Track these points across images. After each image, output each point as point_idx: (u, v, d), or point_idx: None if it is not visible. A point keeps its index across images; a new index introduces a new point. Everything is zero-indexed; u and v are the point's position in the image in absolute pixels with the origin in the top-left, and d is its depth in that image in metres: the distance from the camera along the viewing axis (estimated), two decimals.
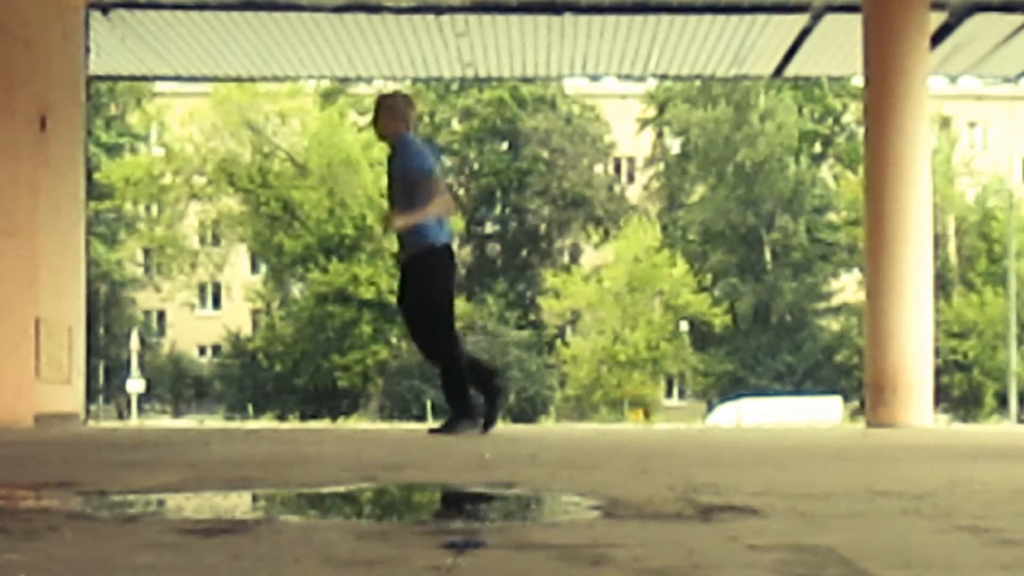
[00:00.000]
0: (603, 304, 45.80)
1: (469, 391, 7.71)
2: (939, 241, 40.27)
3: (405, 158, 7.74)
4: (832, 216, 50.08)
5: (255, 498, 3.08)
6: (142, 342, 45.09)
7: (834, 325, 49.58)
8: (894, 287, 10.74)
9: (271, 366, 44.50)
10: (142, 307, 51.06)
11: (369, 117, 45.99)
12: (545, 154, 49.18)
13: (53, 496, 2.96)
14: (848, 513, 2.62)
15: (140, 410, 43.74)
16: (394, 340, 44.65)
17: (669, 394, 50.87)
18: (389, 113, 7.86)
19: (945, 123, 46.37)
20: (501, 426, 9.60)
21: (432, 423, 12.12)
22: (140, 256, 50.08)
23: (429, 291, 7.68)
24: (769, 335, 48.62)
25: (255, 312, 50.14)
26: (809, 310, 49.76)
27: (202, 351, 52.94)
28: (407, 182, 7.69)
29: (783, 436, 7.92)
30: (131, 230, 47.91)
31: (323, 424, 25.88)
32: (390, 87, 49.22)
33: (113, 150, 46.82)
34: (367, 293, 42.78)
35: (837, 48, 13.35)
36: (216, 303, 53.26)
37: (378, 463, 4.40)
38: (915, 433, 8.60)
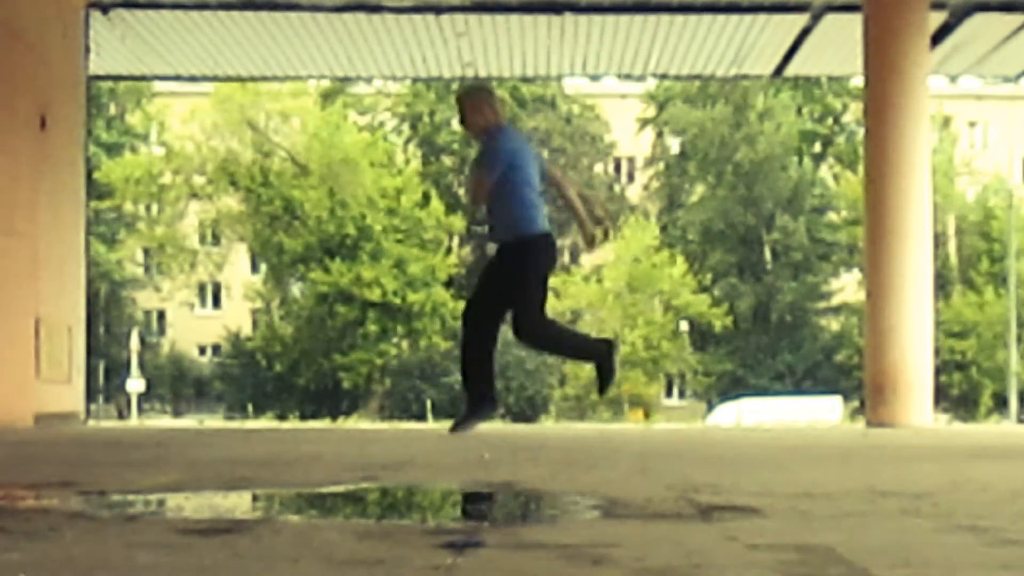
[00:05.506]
0: (603, 304, 45.81)
1: (480, 384, 7.73)
2: (939, 241, 40.30)
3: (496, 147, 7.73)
4: (832, 216, 50.10)
5: (255, 498, 3.08)
6: (142, 342, 45.09)
7: (834, 325, 49.59)
8: (894, 287, 10.74)
9: (271, 366, 44.51)
10: (142, 307, 51.06)
11: (370, 117, 45.20)
12: (545, 154, 49.20)
13: (53, 496, 2.96)
14: (848, 513, 2.62)
15: (140, 410, 43.75)
16: (395, 340, 44.69)
17: (669, 394, 50.87)
18: (478, 108, 7.82)
19: (945, 123, 46.38)
20: (501, 426, 9.61)
21: (432, 423, 12.15)
22: (140, 256, 50.07)
23: (511, 277, 7.71)
24: (769, 335, 48.63)
25: (255, 312, 50.14)
26: (809, 310, 49.78)
27: (202, 351, 52.94)
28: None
29: (783, 436, 7.92)
30: (131, 230, 47.89)
31: (323, 424, 25.88)
32: (390, 87, 49.04)
33: (113, 150, 46.79)
34: (371, 294, 42.79)
35: (837, 48, 13.35)
36: (216, 303, 53.26)
37: (378, 463, 4.40)
38: (915, 433, 8.59)
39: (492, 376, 7.88)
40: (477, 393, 7.74)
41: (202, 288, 51.65)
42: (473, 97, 7.96)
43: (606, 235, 8.11)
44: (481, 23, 12.88)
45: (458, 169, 50.37)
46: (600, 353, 7.91)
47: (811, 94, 49.93)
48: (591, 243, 8.08)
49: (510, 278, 7.71)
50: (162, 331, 53.19)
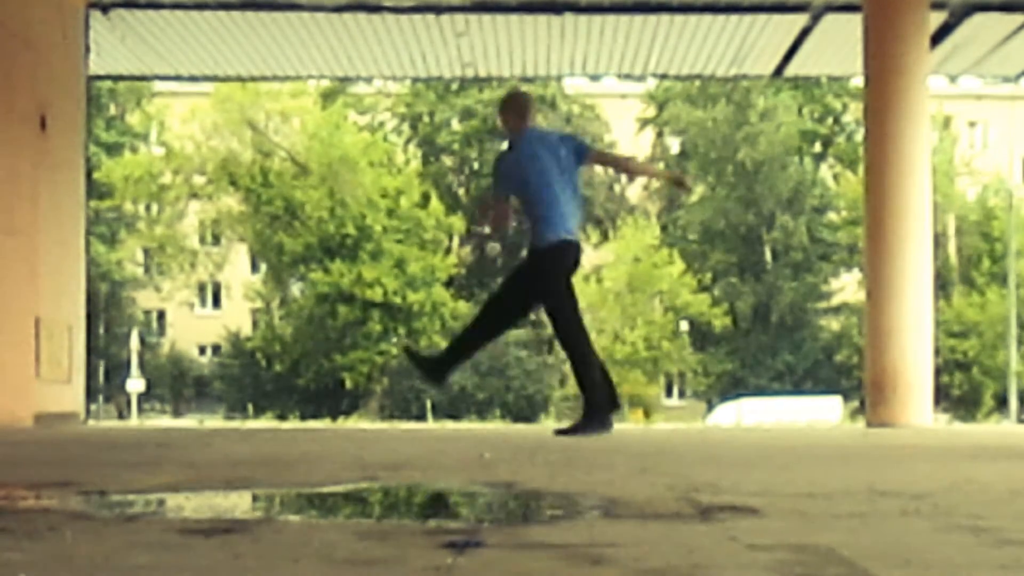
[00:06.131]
0: (603, 304, 45.80)
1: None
2: (939, 241, 40.28)
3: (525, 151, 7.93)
4: (832, 216, 50.09)
5: (255, 498, 3.08)
6: (142, 342, 45.09)
7: (834, 325, 49.58)
8: (894, 287, 10.75)
9: (271, 366, 44.50)
10: (142, 307, 51.05)
11: (370, 117, 45.33)
12: None
13: (53, 496, 2.96)
14: (848, 513, 2.62)
15: (140, 410, 43.75)
16: (395, 340, 44.66)
17: (669, 394, 50.86)
18: (505, 114, 8.13)
19: (945, 123, 46.38)
20: (500, 426, 9.60)
21: (432, 423, 12.15)
22: (140, 256, 50.06)
23: (538, 286, 7.84)
24: (769, 335, 48.62)
25: (255, 312, 50.13)
26: (809, 310, 49.77)
27: (202, 351, 52.94)
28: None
29: (783, 436, 7.93)
30: (131, 230, 47.88)
31: (323, 424, 25.88)
32: (390, 87, 49.05)
33: (113, 149, 46.77)
34: (372, 294, 42.78)
35: (837, 48, 13.36)
36: (216, 303, 53.25)
37: (378, 463, 4.40)
38: (915, 433, 8.60)
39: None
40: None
41: (202, 288, 51.65)
42: (504, 104, 8.24)
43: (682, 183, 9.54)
44: (481, 23, 12.89)
45: (458, 169, 50.33)
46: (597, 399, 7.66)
47: (811, 94, 49.93)
48: (681, 184, 9.61)
49: (532, 286, 7.85)
50: (162, 331, 53.19)
